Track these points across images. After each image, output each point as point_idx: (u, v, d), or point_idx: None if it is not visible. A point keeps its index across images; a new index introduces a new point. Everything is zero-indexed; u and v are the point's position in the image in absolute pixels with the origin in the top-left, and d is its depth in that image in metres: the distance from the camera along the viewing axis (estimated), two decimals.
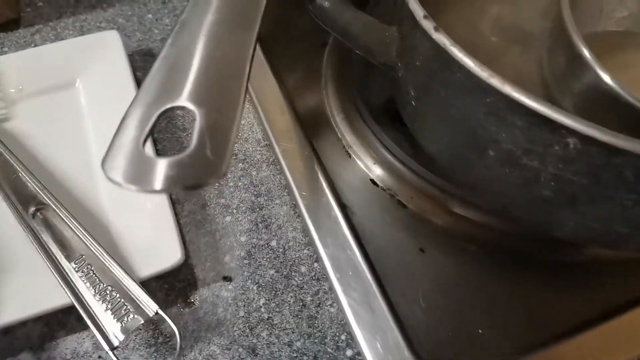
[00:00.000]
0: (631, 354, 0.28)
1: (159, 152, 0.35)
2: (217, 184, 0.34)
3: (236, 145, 0.36)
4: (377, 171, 0.34)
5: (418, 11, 0.25)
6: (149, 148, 0.19)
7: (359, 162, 0.35)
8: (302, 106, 0.38)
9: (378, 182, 0.34)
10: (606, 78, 0.25)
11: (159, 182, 0.18)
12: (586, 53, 0.26)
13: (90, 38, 0.39)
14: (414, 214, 0.32)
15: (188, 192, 0.32)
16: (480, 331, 0.28)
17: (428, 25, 0.24)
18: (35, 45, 0.42)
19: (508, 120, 0.23)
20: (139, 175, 0.18)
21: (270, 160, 0.35)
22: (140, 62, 0.41)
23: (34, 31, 0.43)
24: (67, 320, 0.29)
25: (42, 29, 0.43)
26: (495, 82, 0.22)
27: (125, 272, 0.28)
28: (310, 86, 0.39)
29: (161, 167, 0.18)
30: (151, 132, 0.20)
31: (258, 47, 0.41)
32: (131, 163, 0.18)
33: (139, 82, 0.39)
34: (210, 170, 0.19)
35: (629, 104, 0.25)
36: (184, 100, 0.21)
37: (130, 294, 0.27)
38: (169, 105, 0.20)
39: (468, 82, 0.23)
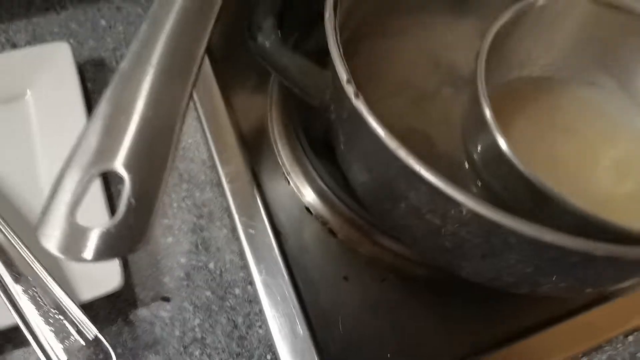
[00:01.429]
0: None
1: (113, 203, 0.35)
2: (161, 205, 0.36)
3: (181, 164, 0.38)
4: (311, 199, 0.37)
5: (342, 74, 0.27)
6: (82, 215, 0.21)
7: (296, 189, 0.37)
8: (248, 128, 0.40)
9: (312, 210, 0.36)
10: (503, 144, 0.28)
11: (89, 253, 0.20)
12: (488, 115, 0.29)
13: (40, 49, 0.39)
14: (342, 242, 0.35)
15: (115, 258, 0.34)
16: (388, 355, 0.32)
17: (349, 89, 0.26)
18: None
19: (414, 183, 0.25)
20: (70, 246, 0.20)
21: (214, 182, 0.38)
22: (92, 73, 0.42)
23: None
24: (14, 336, 0.31)
25: None
26: (402, 153, 0.24)
27: (68, 296, 0.30)
28: (257, 109, 0.41)
29: (91, 238, 0.20)
30: (83, 197, 0.22)
31: (208, 64, 0.42)
32: (64, 232, 0.20)
33: (89, 94, 0.40)
34: (135, 239, 0.21)
35: (521, 173, 0.28)
36: (115, 164, 0.23)
37: (73, 317, 0.29)
38: (101, 169, 0.22)
39: (381, 146, 0.25)
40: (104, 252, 0.20)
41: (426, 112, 0.37)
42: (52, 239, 0.21)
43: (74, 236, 0.21)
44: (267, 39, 0.34)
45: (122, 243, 0.21)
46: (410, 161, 0.24)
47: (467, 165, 0.33)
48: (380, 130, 0.25)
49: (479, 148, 0.31)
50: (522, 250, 0.25)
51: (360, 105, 0.26)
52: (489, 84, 0.36)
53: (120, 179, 0.22)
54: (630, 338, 0.34)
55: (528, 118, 0.36)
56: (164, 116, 0.26)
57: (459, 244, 0.27)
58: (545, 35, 0.36)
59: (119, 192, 0.36)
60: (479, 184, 0.33)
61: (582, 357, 0.33)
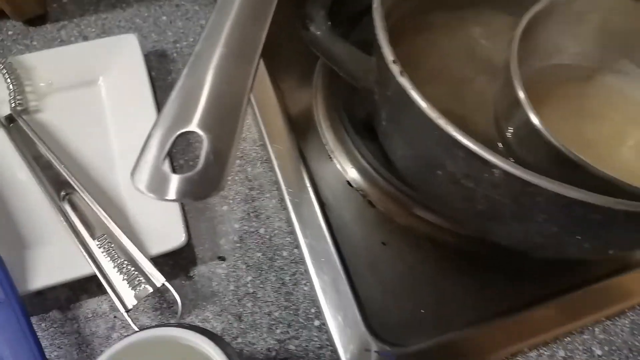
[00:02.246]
0: (545, 337, 0.34)
1: (175, 168, 0.40)
2: None
3: None
4: (353, 174, 0.40)
5: (389, 56, 0.30)
6: (166, 165, 0.24)
7: (338, 166, 0.41)
8: (294, 112, 0.43)
9: (353, 184, 0.40)
10: (535, 120, 0.31)
11: (172, 193, 0.24)
12: (522, 95, 0.32)
13: (112, 40, 0.44)
14: (380, 212, 0.38)
15: (195, 201, 0.38)
16: (422, 311, 0.35)
17: (395, 69, 0.30)
18: (61, 41, 0.47)
19: (451, 150, 0.28)
20: (158, 187, 0.24)
21: (264, 158, 0.41)
22: (155, 63, 0.46)
23: (59, 27, 0.48)
24: (89, 286, 0.35)
25: (67, 25, 0.48)
26: (441, 122, 0.27)
27: (139, 250, 0.34)
28: (303, 94, 0.44)
29: (175, 182, 0.24)
30: (169, 152, 0.25)
31: None
32: (153, 177, 0.24)
33: (153, 81, 0.44)
34: (212, 186, 0.25)
35: (552, 145, 0.30)
36: (194, 126, 0.26)
37: (143, 268, 0.34)
38: (183, 130, 0.26)
39: (423, 117, 0.28)
40: (185, 194, 0.24)
41: (462, 97, 0.40)
42: (143, 182, 0.24)
43: (161, 180, 0.25)
44: (318, 29, 0.37)
45: (200, 188, 0.25)
46: (449, 128, 0.27)
47: (500, 145, 0.35)
48: (422, 102, 0.28)
49: (512, 127, 0.34)
50: (548, 209, 0.27)
51: (405, 82, 0.29)
52: (521, 70, 0.39)
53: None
54: None
55: (557, 103, 0.39)
56: (233, 88, 0.30)
57: (490, 206, 0.30)
58: (574, 26, 0.38)
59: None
60: (512, 161, 0.35)
61: (605, 321, 0.35)
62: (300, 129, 0.42)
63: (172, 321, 0.34)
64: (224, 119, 0.28)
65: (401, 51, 0.40)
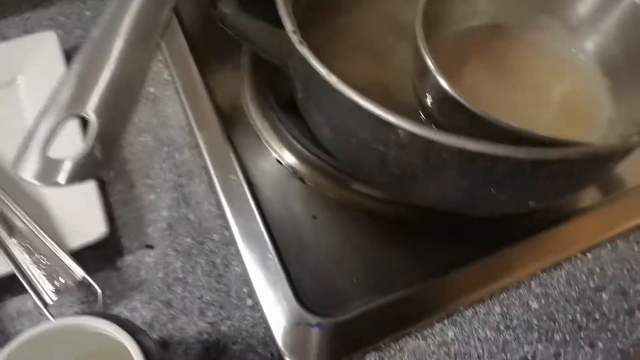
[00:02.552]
0: (480, 294, 0.34)
1: None
2: (144, 167, 0.39)
3: (162, 131, 0.41)
4: (282, 152, 0.39)
5: (288, 25, 0.30)
6: (52, 151, 0.24)
7: (267, 145, 0.40)
8: (222, 95, 0.43)
9: (282, 162, 0.39)
10: (444, 84, 0.30)
11: (62, 178, 0.23)
12: (429, 62, 0.31)
13: (30, 39, 0.43)
14: (311, 188, 0.38)
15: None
16: (354, 280, 0.34)
17: (294, 38, 0.29)
18: None
19: (358, 115, 0.28)
20: (45, 174, 0.24)
21: (192, 144, 0.41)
22: None
23: None
24: (12, 285, 0.34)
25: None
26: (341, 87, 0.27)
27: (57, 245, 0.33)
28: (230, 76, 0.44)
29: (62, 167, 0.24)
30: (55, 136, 0.25)
31: (184, 39, 0.46)
32: (39, 165, 0.24)
33: None
34: (99, 167, 0.24)
35: (461, 104, 0.30)
36: (86, 111, 0.26)
37: (62, 262, 0.33)
38: (72, 114, 0.25)
39: (325, 84, 0.28)
40: (73, 177, 0.24)
41: (385, 66, 0.40)
42: (28, 170, 0.24)
43: (48, 166, 0.24)
44: (227, 7, 0.37)
45: (88, 169, 0.24)
46: (348, 92, 0.27)
47: (422, 116, 0.35)
48: (322, 69, 0.28)
49: (427, 94, 0.33)
50: (456, 164, 0.27)
51: (304, 50, 0.29)
52: (439, 34, 0.38)
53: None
54: (589, 255, 0.36)
55: (479, 64, 0.38)
56: (130, 73, 0.29)
57: (403, 168, 0.29)
58: None
59: None
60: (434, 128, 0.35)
61: (541, 274, 0.35)
62: (228, 112, 0.42)
63: None
64: (117, 103, 0.27)
65: (321, 27, 0.40)
